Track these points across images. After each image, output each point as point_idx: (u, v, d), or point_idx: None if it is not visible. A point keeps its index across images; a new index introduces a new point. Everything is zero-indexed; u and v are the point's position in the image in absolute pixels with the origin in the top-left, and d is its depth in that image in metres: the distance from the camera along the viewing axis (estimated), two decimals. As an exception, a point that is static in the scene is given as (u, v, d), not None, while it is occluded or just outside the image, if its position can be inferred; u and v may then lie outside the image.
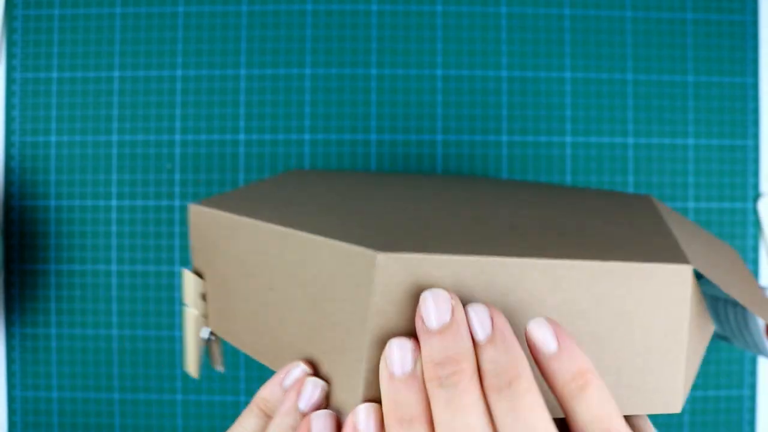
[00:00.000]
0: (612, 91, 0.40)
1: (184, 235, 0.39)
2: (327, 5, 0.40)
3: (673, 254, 0.18)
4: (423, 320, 0.15)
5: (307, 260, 0.19)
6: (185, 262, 0.39)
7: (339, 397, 0.18)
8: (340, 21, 0.40)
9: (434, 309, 0.15)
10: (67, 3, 0.40)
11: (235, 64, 0.40)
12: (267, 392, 0.20)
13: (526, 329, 0.16)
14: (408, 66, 0.40)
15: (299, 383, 0.19)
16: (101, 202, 0.39)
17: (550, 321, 0.16)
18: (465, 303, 0.17)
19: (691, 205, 0.40)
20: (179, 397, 0.39)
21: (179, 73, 0.40)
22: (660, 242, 0.20)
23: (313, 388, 0.18)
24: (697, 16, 0.40)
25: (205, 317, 0.25)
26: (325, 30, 0.40)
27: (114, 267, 0.39)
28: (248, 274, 0.21)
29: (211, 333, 0.25)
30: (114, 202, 0.40)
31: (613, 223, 0.22)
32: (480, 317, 0.15)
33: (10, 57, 0.40)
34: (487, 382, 0.15)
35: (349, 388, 0.17)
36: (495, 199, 0.26)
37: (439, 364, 0.15)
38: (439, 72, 0.40)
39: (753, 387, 0.40)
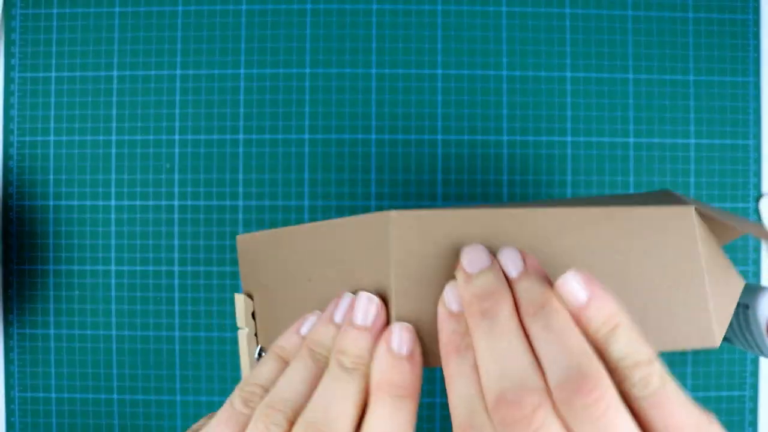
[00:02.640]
0: (613, 91, 0.40)
1: (184, 235, 0.39)
2: (327, 4, 0.40)
3: (676, 202, 0.20)
4: (465, 267, 0.17)
5: (336, 242, 0.20)
6: (184, 262, 0.39)
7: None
8: (340, 20, 0.40)
9: (475, 255, 0.17)
10: (66, 2, 0.40)
11: (235, 63, 0.40)
12: (284, 341, 0.21)
13: (555, 284, 0.17)
14: (408, 65, 0.40)
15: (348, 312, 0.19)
16: (100, 202, 0.39)
17: (579, 271, 0.16)
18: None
19: (692, 204, 0.40)
20: (179, 397, 0.39)
21: (179, 72, 0.40)
22: (667, 200, 0.21)
23: (368, 302, 0.19)
24: (698, 15, 0.40)
25: (255, 335, 0.27)
26: (325, 29, 0.40)
27: (113, 267, 0.39)
28: (288, 275, 0.23)
29: (261, 349, 0.27)
30: (113, 202, 0.39)
31: (628, 200, 0.24)
32: (512, 257, 0.17)
33: (8, 56, 0.40)
34: (523, 310, 0.16)
35: None
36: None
37: (481, 298, 0.16)
38: (439, 71, 0.40)
39: (755, 388, 0.40)
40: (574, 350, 0.15)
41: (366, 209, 0.39)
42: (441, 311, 0.18)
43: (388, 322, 0.18)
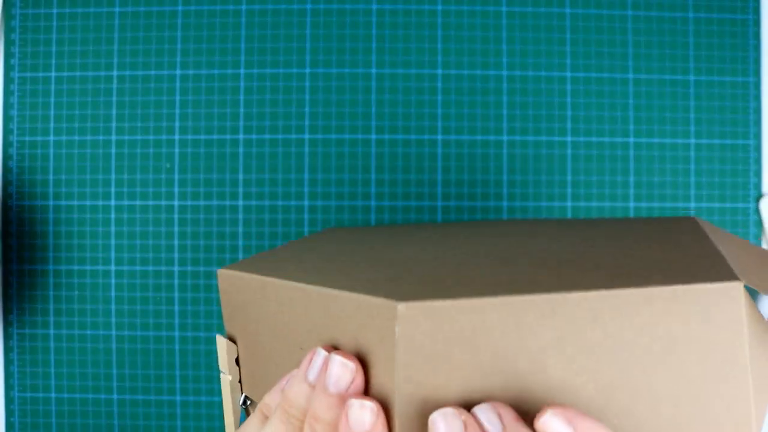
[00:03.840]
0: (613, 91, 0.40)
1: (184, 235, 0.39)
2: (327, 4, 0.40)
3: (720, 272, 0.17)
4: None
5: (330, 317, 0.18)
6: (183, 262, 0.39)
7: None
8: (340, 20, 0.40)
9: (445, 429, 0.15)
10: (66, 2, 0.40)
11: (235, 63, 0.40)
12: (269, 398, 0.20)
13: (535, 422, 0.15)
14: (408, 65, 0.40)
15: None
16: (100, 202, 0.39)
17: (562, 409, 0.15)
18: (492, 350, 0.16)
19: (692, 205, 0.40)
20: (178, 398, 0.39)
21: (179, 72, 0.40)
22: (705, 262, 0.19)
23: (342, 368, 0.17)
24: (699, 15, 0.40)
25: (240, 383, 0.25)
26: (325, 29, 0.40)
27: (113, 267, 0.39)
28: (278, 335, 0.21)
29: (246, 397, 0.26)
30: (113, 202, 0.39)
31: (653, 248, 0.21)
32: (488, 416, 0.15)
33: (8, 56, 0.40)
34: None
35: None
36: (526, 237, 0.25)
37: None
38: (439, 71, 0.40)
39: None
40: None
41: (366, 209, 0.39)
42: None
43: (368, 384, 0.17)
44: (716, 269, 0.17)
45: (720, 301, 0.16)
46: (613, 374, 0.16)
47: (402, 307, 0.15)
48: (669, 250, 0.21)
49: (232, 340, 0.25)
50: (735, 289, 0.16)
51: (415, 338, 0.16)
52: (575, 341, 0.16)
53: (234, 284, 0.24)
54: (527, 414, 0.16)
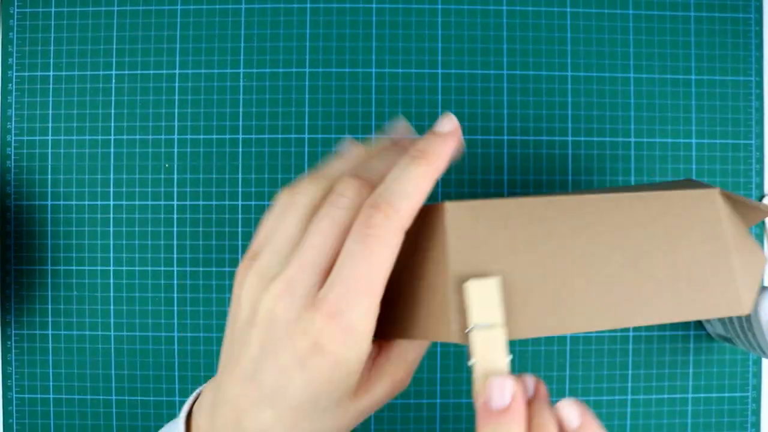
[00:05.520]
0: (613, 90, 0.40)
1: (184, 235, 0.39)
2: (327, 4, 0.40)
3: (701, 186, 0.22)
4: (487, 401, 0.19)
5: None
6: (183, 263, 0.39)
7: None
8: (340, 20, 0.40)
9: (498, 391, 0.19)
10: (64, 1, 0.39)
11: (234, 62, 0.39)
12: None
13: (556, 406, 0.19)
14: (408, 65, 0.40)
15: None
16: (100, 202, 0.39)
17: (577, 402, 0.19)
18: (526, 242, 0.21)
19: (693, 204, 0.40)
20: (178, 398, 0.39)
21: (178, 72, 0.39)
22: (693, 186, 0.24)
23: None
24: (700, 14, 0.40)
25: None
26: (325, 29, 0.40)
27: (112, 267, 0.39)
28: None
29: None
30: (112, 202, 0.39)
31: (657, 187, 0.26)
32: (570, 412, 0.19)
33: (5, 55, 0.39)
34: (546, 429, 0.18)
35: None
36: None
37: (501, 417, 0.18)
38: (439, 71, 0.40)
39: (757, 389, 0.39)
40: None
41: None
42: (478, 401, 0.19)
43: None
44: (699, 186, 0.23)
45: (700, 201, 0.21)
46: (616, 258, 0.21)
47: (449, 204, 0.21)
48: (667, 185, 0.26)
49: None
50: (712, 193, 0.22)
51: (461, 227, 0.21)
52: (588, 231, 0.21)
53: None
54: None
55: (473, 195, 0.40)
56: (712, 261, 0.21)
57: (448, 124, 0.22)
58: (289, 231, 0.21)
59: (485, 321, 0.20)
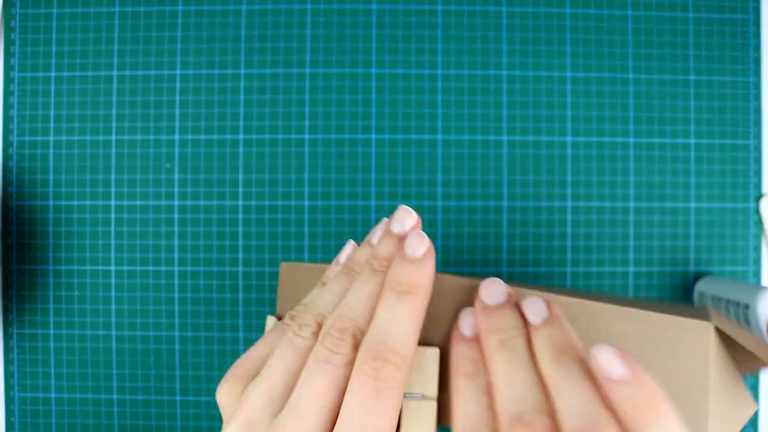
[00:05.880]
0: (613, 91, 0.40)
1: (183, 235, 0.39)
2: (327, 4, 0.40)
3: (698, 316, 0.20)
4: (484, 299, 0.19)
5: None
6: (183, 262, 0.39)
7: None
8: (340, 20, 0.40)
9: (495, 289, 0.19)
10: (66, 2, 0.40)
11: (235, 63, 0.40)
12: (359, 255, 0.22)
13: (591, 351, 0.16)
14: (408, 65, 0.40)
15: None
16: (100, 202, 0.39)
17: (617, 349, 0.16)
18: None
19: (692, 205, 0.40)
20: (178, 398, 0.39)
21: (179, 72, 0.39)
22: (692, 313, 0.21)
23: (406, 213, 0.21)
24: (699, 15, 0.40)
25: None
26: (325, 29, 0.40)
27: (113, 267, 0.39)
28: None
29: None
30: (113, 202, 0.39)
31: (660, 309, 0.25)
32: (537, 305, 0.19)
33: (8, 56, 0.40)
34: (544, 351, 0.17)
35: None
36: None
37: (501, 329, 0.18)
38: (439, 71, 0.40)
39: (755, 388, 0.40)
40: (591, 403, 0.15)
41: (366, 209, 0.39)
42: (455, 334, 0.20)
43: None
44: (701, 317, 0.20)
45: (690, 333, 0.19)
46: None
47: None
48: (674, 309, 0.23)
49: (280, 319, 0.28)
50: (705, 328, 0.19)
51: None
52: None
53: (294, 272, 0.27)
54: None
55: (473, 196, 0.40)
56: (690, 396, 0.19)
57: (420, 244, 0.20)
58: (284, 367, 0.20)
59: (418, 391, 0.19)
